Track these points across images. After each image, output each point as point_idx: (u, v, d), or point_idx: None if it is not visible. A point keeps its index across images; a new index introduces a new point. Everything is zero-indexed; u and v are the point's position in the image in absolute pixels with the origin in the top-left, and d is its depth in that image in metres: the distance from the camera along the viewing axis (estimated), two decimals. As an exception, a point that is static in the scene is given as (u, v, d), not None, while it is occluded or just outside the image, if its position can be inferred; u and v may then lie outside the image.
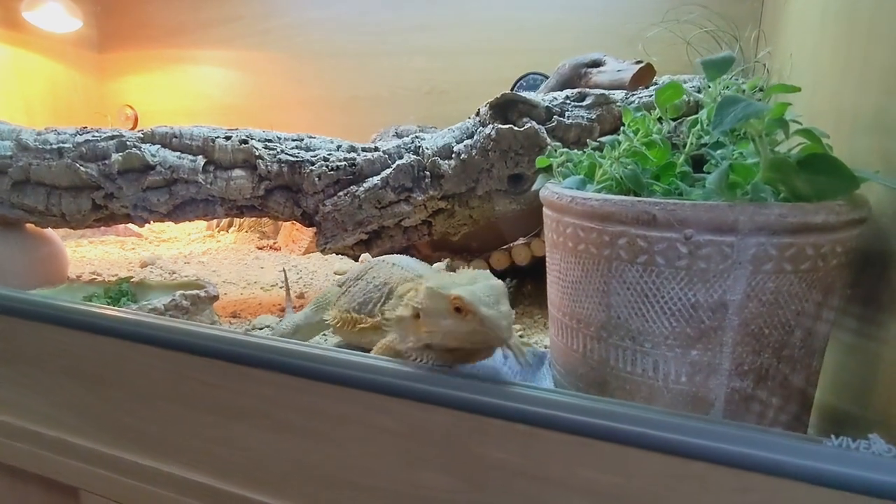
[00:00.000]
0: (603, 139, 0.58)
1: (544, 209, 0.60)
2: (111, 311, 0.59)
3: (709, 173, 0.55)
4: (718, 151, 0.57)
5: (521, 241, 1.15)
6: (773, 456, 0.38)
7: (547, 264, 0.61)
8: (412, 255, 1.41)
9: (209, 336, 0.55)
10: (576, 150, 0.63)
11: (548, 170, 0.63)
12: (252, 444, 0.55)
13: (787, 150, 0.50)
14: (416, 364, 0.50)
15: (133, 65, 1.96)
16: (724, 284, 0.45)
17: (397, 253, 1.19)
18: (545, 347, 0.83)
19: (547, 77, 1.44)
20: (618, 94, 1.05)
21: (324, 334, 0.85)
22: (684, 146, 0.58)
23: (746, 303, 0.45)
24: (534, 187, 0.63)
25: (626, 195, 0.51)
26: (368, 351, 0.60)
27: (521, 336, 0.89)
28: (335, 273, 1.33)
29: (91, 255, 1.43)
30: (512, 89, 1.50)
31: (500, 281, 0.50)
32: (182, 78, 1.94)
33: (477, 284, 0.49)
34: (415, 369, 0.49)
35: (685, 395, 0.49)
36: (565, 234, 0.54)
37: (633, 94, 1.05)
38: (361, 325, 0.60)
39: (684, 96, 0.59)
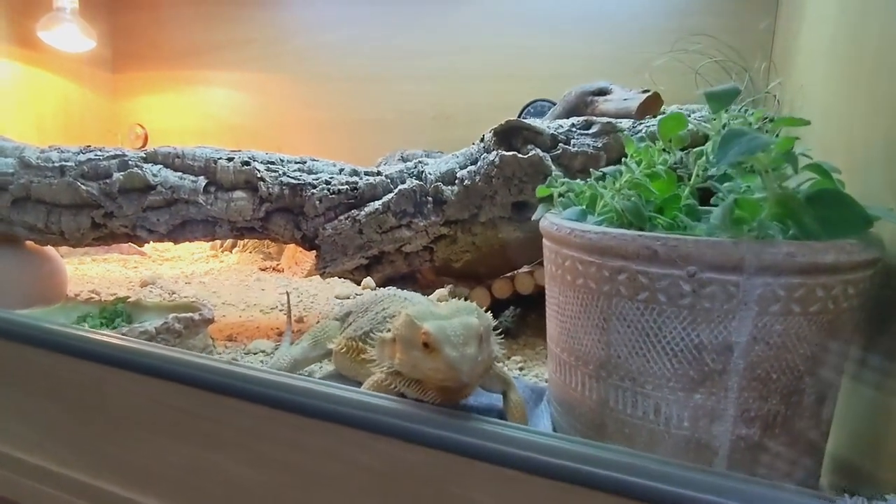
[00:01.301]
0: (607, 169, 0.56)
1: (544, 240, 0.58)
2: (91, 335, 0.57)
3: (716, 206, 0.53)
4: (725, 185, 0.54)
5: (525, 268, 1.13)
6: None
7: (546, 297, 0.59)
8: (416, 280, 1.39)
9: (187, 363, 0.53)
10: (578, 181, 0.61)
11: (549, 199, 0.61)
12: (230, 476, 0.53)
13: (797, 185, 0.48)
14: (401, 400, 0.48)
15: (145, 85, 1.99)
16: (729, 325, 0.43)
17: (400, 278, 1.18)
18: (545, 381, 0.80)
19: (555, 104, 1.44)
20: (625, 123, 1.03)
21: (319, 365, 0.83)
22: (690, 178, 0.57)
23: (753, 345, 0.43)
24: (534, 217, 0.61)
25: (627, 228, 0.50)
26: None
27: (521, 369, 0.86)
28: (336, 297, 1.32)
29: (92, 273, 1.43)
30: (519, 115, 1.49)
31: (477, 321, 0.48)
32: (193, 98, 1.96)
33: (453, 321, 0.47)
34: (399, 405, 0.47)
35: (688, 442, 0.46)
36: (564, 266, 0.52)
37: (640, 124, 1.04)
38: (364, 356, 0.58)
39: (690, 126, 0.58)
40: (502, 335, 0.57)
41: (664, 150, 0.57)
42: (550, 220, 0.54)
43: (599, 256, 0.47)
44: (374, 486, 0.46)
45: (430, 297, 1.43)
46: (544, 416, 0.60)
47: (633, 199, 0.49)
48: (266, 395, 0.50)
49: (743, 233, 0.43)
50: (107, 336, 0.58)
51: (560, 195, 0.59)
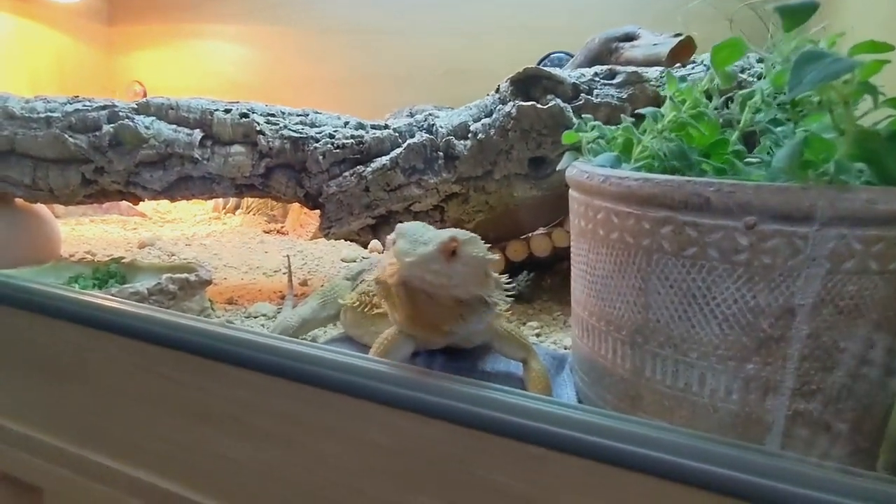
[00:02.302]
0: (645, 110, 0.49)
1: (570, 192, 0.52)
2: (69, 293, 0.52)
3: (768, 155, 0.46)
4: (779, 129, 0.48)
5: (541, 230, 1.07)
6: (844, 501, 0.30)
7: (572, 255, 0.53)
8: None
9: (175, 325, 0.48)
10: (601, 124, 0.54)
11: (576, 147, 0.55)
12: (223, 450, 0.48)
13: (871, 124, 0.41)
14: (412, 369, 0.42)
15: (143, 39, 1.90)
16: (792, 286, 0.37)
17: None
18: (565, 349, 0.75)
19: (571, 56, 1.35)
20: (651, 72, 0.95)
21: (323, 329, 0.78)
22: (736, 123, 0.50)
23: (819, 309, 0.37)
24: (559, 166, 0.55)
25: (665, 174, 0.43)
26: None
27: (538, 335, 0.81)
28: (342, 260, 1.26)
29: (90, 233, 1.38)
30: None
31: (454, 233, 0.43)
32: (193, 53, 1.87)
33: (430, 230, 0.43)
34: (409, 374, 0.42)
35: (736, 416, 0.41)
36: (595, 220, 0.46)
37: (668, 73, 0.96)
38: (378, 310, 0.53)
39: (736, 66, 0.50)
40: (510, 282, 0.52)
41: (707, 92, 0.50)
42: (580, 169, 0.48)
43: (639, 206, 0.41)
44: (384, 464, 0.41)
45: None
46: (567, 386, 0.55)
47: (675, 142, 0.43)
48: (263, 361, 0.45)
49: (812, 178, 0.37)
50: (86, 295, 0.53)
51: (590, 142, 0.53)
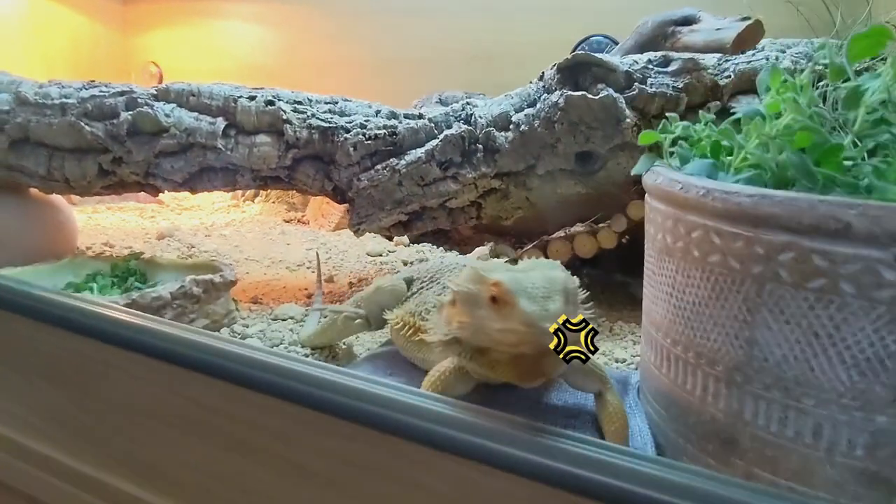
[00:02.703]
0: (742, 109, 0.43)
1: (651, 202, 0.46)
2: (91, 307, 0.48)
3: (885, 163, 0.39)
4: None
5: (580, 227, 1.00)
6: None
7: (648, 272, 0.47)
8: (449, 235, 1.27)
9: (206, 348, 0.43)
10: (691, 124, 0.48)
11: (654, 149, 0.48)
12: (259, 486, 0.43)
13: None
14: (476, 410, 0.37)
15: (159, 18, 1.84)
16: (946, 329, 0.31)
17: (431, 232, 1.06)
18: (616, 363, 0.69)
19: (613, 40, 1.27)
20: (709, 59, 0.88)
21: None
22: (845, 125, 0.43)
23: (978, 357, 0.31)
24: (635, 170, 0.49)
25: (778, 189, 0.37)
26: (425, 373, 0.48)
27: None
28: (368, 254, 1.21)
29: (106, 223, 1.34)
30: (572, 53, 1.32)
31: (564, 275, 0.39)
32: (210, 33, 1.81)
33: (531, 273, 0.38)
34: (473, 416, 0.36)
35: (857, 473, 0.35)
36: (689, 238, 0.39)
37: (728, 61, 0.89)
38: (424, 337, 0.47)
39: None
40: (589, 301, 0.44)
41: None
42: (668, 177, 0.41)
43: (751, 227, 0.35)
44: (444, 516, 0.36)
45: (469, 255, 1.32)
46: (636, 415, 0.49)
47: (792, 151, 0.36)
48: (304, 393, 0.39)
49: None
50: (110, 309, 0.48)
51: (673, 143, 0.46)
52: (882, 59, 0.52)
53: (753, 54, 0.90)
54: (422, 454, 0.37)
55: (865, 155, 0.41)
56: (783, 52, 0.91)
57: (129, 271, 0.82)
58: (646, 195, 0.48)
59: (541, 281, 0.37)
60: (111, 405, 0.50)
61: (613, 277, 0.97)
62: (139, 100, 0.86)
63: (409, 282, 0.58)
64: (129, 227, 1.31)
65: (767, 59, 0.89)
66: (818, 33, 1.04)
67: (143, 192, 0.94)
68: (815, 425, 0.35)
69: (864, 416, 0.34)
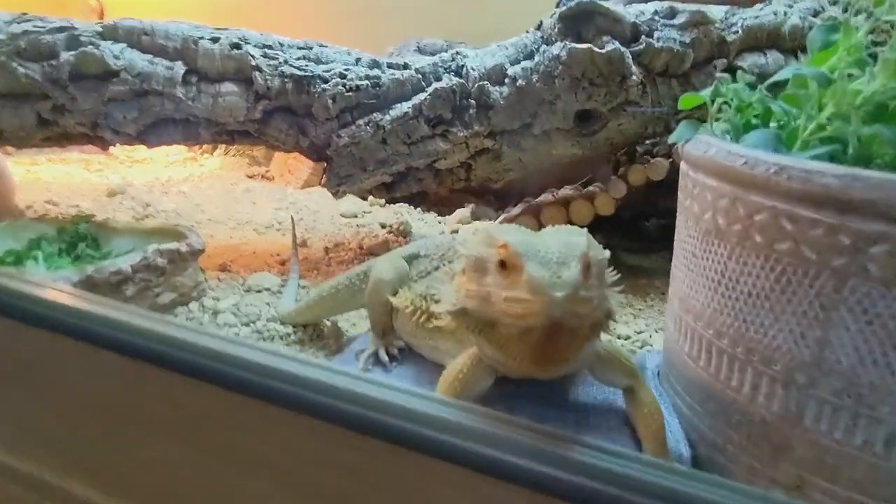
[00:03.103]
0: (804, 69, 0.37)
1: (692, 174, 0.41)
2: (42, 291, 0.40)
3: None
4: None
5: (568, 191, 0.95)
6: None
7: (687, 252, 0.43)
8: (426, 196, 1.20)
9: (191, 347, 0.36)
10: (739, 86, 0.42)
11: (695, 115, 0.43)
12: (252, 498, 0.38)
13: None
14: (492, 416, 0.32)
15: (98, -56, 1.63)
16: None
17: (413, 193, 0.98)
18: (620, 340, 0.66)
19: (607, -12, 1.19)
20: (716, 11, 0.82)
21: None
22: None
23: None
24: (672, 138, 0.43)
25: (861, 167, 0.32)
26: (434, 366, 0.42)
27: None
28: (342, 215, 1.13)
29: (48, 176, 1.20)
30: (559, 2, 1.24)
31: (587, 241, 0.33)
32: (158, -36, 1.62)
33: (548, 237, 0.33)
34: (488, 426, 0.31)
35: (926, 484, 0.32)
36: (751, 221, 0.35)
37: (735, 14, 0.83)
38: (438, 322, 0.41)
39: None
40: (618, 276, 0.39)
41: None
42: (725, 149, 0.36)
43: (837, 214, 0.30)
44: (477, 543, 0.31)
45: (448, 218, 1.25)
46: (662, 406, 0.45)
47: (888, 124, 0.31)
48: (307, 400, 0.34)
49: None
50: (66, 294, 0.41)
51: (719, 109, 0.41)
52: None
53: (762, 8, 0.84)
54: (442, 468, 0.32)
55: None
56: (790, 6, 0.86)
57: (78, 236, 0.73)
58: (683, 166, 0.43)
59: (557, 245, 0.32)
60: (68, 404, 0.43)
61: (611, 245, 0.93)
62: (82, 38, 0.74)
63: (412, 258, 0.52)
64: (74, 182, 1.18)
65: (776, 14, 0.84)
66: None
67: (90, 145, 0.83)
68: (888, 435, 0.32)
69: (945, 427, 0.31)
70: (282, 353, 0.37)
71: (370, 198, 1.21)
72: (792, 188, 0.32)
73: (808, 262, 0.32)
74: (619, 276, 0.39)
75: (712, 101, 0.41)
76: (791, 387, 0.35)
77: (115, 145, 0.81)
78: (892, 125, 0.31)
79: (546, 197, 0.94)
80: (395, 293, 0.49)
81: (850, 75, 0.36)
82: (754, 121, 0.41)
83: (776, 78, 0.42)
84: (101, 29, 0.76)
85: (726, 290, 0.38)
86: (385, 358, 0.48)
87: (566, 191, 0.95)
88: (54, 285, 0.42)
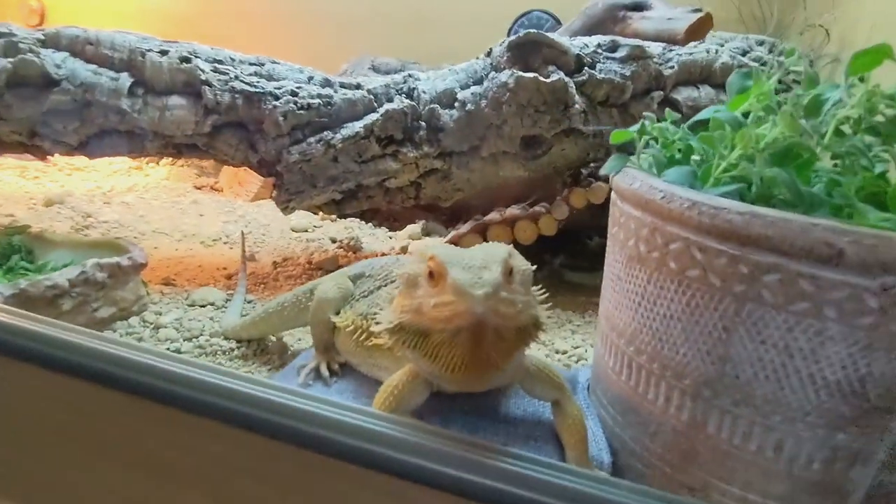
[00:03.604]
0: (715, 113, 0.41)
1: (621, 204, 0.44)
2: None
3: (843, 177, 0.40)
4: (872, 153, 0.42)
5: (515, 210, 0.99)
6: None
7: (614, 277, 0.46)
8: (379, 212, 1.21)
9: (125, 363, 0.36)
10: (664, 125, 0.46)
11: (625, 149, 0.46)
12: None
13: None
14: (426, 430, 0.34)
15: (40, -57, 1.58)
16: (916, 355, 0.31)
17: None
18: (559, 356, 0.69)
19: (554, 17, 1.25)
20: (654, 48, 0.88)
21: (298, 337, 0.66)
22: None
23: (940, 382, 0.32)
24: (604, 170, 0.47)
25: (759, 204, 0.36)
26: (373, 382, 0.43)
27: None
28: (292, 230, 1.13)
29: (-21, 183, 1.15)
30: (511, 29, 1.29)
31: (508, 250, 0.37)
32: (105, -32, 1.58)
33: (474, 250, 0.37)
34: (440, 443, 0.33)
35: (812, 485, 0.36)
36: (666, 249, 0.38)
37: (671, 51, 0.89)
38: (377, 340, 0.42)
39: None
40: (545, 292, 0.42)
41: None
42: (648, 183, 0.40)
43: (738, 246, 0.34)
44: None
45: (398, 233, 1.27)
46: (588, 417, 0.48)
47: (785, 167, 0.35)
48: (248, 416, 0.35)
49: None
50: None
51: (645, 144, 0.45)
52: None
53: (695, 46, 0.91)
54: (383, 483, 0.33)
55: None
56: (721, 45, 0.93)
57: (11, 248, 0.70)
58: (613, 195, 0.47)
59: (479, 254, 0.35)
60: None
61: (553, 264, 0.97)
62: (21, 45, 0.72)
63: (357, 278, 0.53)
64: (8, 190, 1.13)
65: (708, 52, 0.91)
66: (753, 28, 1.07)
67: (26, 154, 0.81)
68: (778, 440, 0.36)
69: (827, 434, 0.34)
70: (214, 368, 0.38)
71: (320, 213, 1.22)
72: (702, 222, 0.35)
73: (714, 287, 0.36)
74: (547, 294, 0.42)
75: (640, 138, 0.45)
76: (698, 399, 0.38)
77: (53, 155, 0.79)
78: (789, 168, 0.35)
79: (493, 216, 0.97)
80: (337, 312, 0.51)
81: (759, 119, 0.41)
82: (678, 156, 0.45)
83: (698, 117, 0.46)
84: (42, 37, 0.75)
85: (645, 311, 0.41)
86: (326, 373, 0.49)
87: (513, 210, 0.98)
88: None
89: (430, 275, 0.34)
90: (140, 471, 0.39)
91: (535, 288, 0.41)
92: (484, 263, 0.33)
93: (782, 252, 0.32)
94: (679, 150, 0.44)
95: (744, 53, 0.91)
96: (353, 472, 0.34)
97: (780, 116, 0.35)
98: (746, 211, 0.33)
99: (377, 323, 0.44)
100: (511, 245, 0.68)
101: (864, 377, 0.32)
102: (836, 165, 0.41)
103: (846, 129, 0.40)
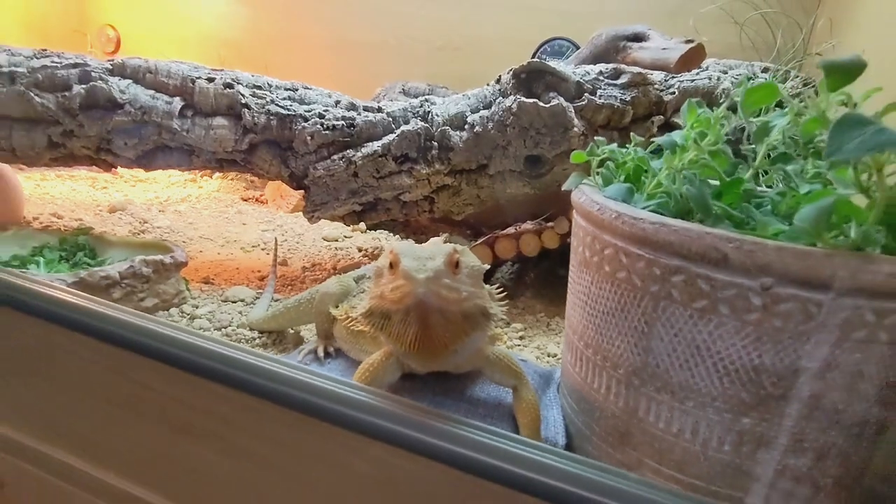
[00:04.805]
0: (660, 139, 0.47)
1: (576, 217, 0.50)
2: (37, 286, 0.49)
3: (777, 194, 0.45)
4: (789, 167, 0.47)
5: (528, 225, 1.05)
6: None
7: (571, 281, 0.52)
8: (408, 225, 1.30)
9: (153, 334, 0.45)
10: (618, 147, 0.52)
11: (584, 167, 0.53)
12: (201, 465, 0.46)
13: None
14: (398, 401, 0.41)
15: (118, -20, 1.78)
16: (800, 349, 0.36)
17: (390, 221, 1.08)
18: (549, 359, 0.75)
19: (574, 44, 1.31)
20: (656, 75, 0.93)
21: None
22: (741, 156, 0.49)
23: (824, 373, 0.36)
24: (566, 186, 0.53)
25: (681, 217, 0.42)
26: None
27: (521, 338, 0.80)
28: (324, 239, 1.23)
29: (56, 192, 1.31)
30: (535, 54, 1.36)
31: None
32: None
33: (428, 246, 0.43)
34: (393, 406, 0.40)
35: (725, 466, 0.41)
36: (602, 254, 0.44)
37: (673, 78, 0.94)
38: (361, 327, 0.50)
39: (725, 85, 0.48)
40: (504, 295, 0.49)
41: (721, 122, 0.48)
42: (590, 197, 0.46)
43: (652, 251, 0.40)
44: (370, 495, 0.40)
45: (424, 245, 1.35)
46: (554, 407, 0.54)
47: (696, 183, 0.41)
48: (251, 382, 0.42)
49: (833, 242, 0.36)
50: (55, 289, 0.50)
51: (600, 164, 0.51)
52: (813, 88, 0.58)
53: (697, 73, 0.96)
54: (354, 440, 0.40)
55: (774, 185, 0.46)
56: (725, 72, 0.97)
57: (77, 246, 0.83)
58: (573, 210, 0.53)
59: (430, 248, 0.42)
60: (56, 384, 0.51)
61: (557, 275, 1.02)
62: (93, 73, 0.85)
63: (360, 278, 0.61)
64: (79, 198, 1.28)
65: (710, 79, 0.95)
66: (761, 54, 1.11)
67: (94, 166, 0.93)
68: (694, 424, 0.41)
69: (732, 418, 0.39)
70: (237, 347, 0.46)
71: (351, 224, 1.32)
72: (626, 231, 0.41)
73: (637, 287, 0.41)
74: (505, 293, 0.49)
75: (593, 159, 0.51)
76: (630, 387, 0.43)
77: (115, 167, 0.91)
78: (701, 185, 0.41)
79: (507, 231, 1.04)
80: (337, 306, 0.59)
81: (695, 143, 0.46)
82: (628, 175, 0.51)
83: (656, 143, 0.52)
84: (110, 66, 0.87)
85: (590, 310, 0.47)
86: (321, 354, 0.57)
87: (527, 225, 1.05)
88: (52, 283, 0.52)
89: (391, 266, 0.41)
90: (165, 427, 0.48)
91: (494, 288, 0.48)
92: (431, 255, 0.40)
93: (683, 256, 0.38)
94: (630, 171, 0.50)
95: (748, 80, 0.94)
96: (330, 431, 0.41)
97: (687, 138, 0.41)
98: (657, 221, 0.39)
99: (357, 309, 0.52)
100: (515, 254, 0.75)
101: (758, 367, 0.37)
102: (770, 187, 0.47)
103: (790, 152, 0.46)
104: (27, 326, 0.51)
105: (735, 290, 0.36)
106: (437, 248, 0.41)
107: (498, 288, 0.47)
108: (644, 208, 0.43)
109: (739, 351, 0.37)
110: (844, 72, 0.34)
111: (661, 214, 0.41)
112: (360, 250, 1.19)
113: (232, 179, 1.63)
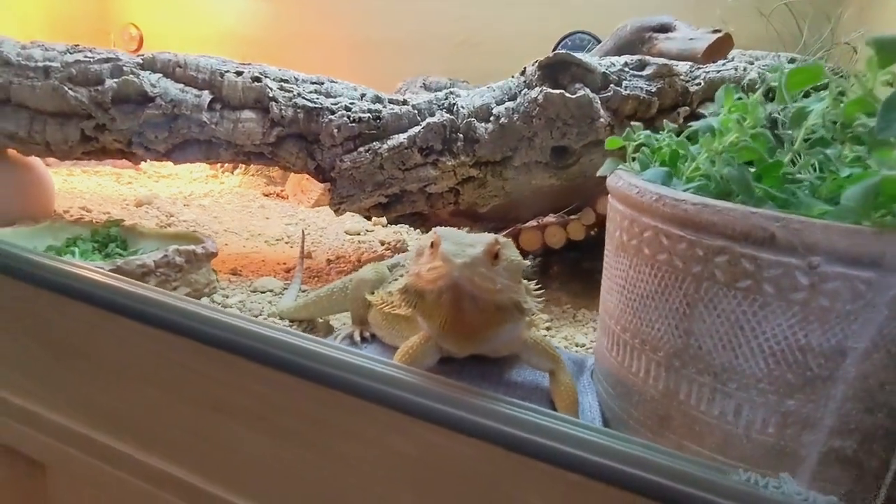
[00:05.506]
0: (696, 124, 0.47)
1: (612, 201, 0.50)
2: (83, 272, 0.50)
3: (817, 178, 0.45)
4: (829, 150, 0.46)
5: (551, 217, 1.05)
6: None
7: (606, 266, 0.52)
8: (428, 218, 1.30)
9: (197, 316, 0.46)
10: (653, 133, 0.52)
11: (618, 153, 0.53)
12: (242, 445, 0.47)
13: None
14: (439, 381, 0.41)
15: (141, -21, 1.80)
16: (847, 328, 0.36)
17: (410, 215, 1.09)
18: (577, 347, 0.75)
19: (595, 38, 1.31)
20: (681, 66, 0.93)
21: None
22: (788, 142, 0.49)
23: (872, 353, 0.36)
24: (600, 172, 0.53)
25: (722, 199, 0.42)
26: (395, 349, 0.51)
27: (547, 328, 0.80)
28: (346, 232, 1.24)
29: (83, 186, 1.33)
30: (555, 48, 1.36)
31: (496, 238, 0.43)
32: (193, -1, 1.78)
33: (471, 235, 0.43)
34: (445, 388, 0.40)
35: (768, 448, 0.41)
36: (641, 237, 0.44)
37: (699, 69, 0.93)
38: (397, 311, 0.50)
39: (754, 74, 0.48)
40: (541, 289, 0.50)
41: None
42: (628, 181, 0.46)
43: (694, 232, 0.40)
44: (410, 474, 0.40)
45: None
46: (589, 394, 0.54)
47: (737, 165, 0.41)
48: (290, 361, 0.43)
49: (882, 221, 0.36)
50: (101, 275, 0.51)
51: (635, 150, 0.51)
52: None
53: (724, 64, 0.95)
54: (393, 418, 0.41)
55: (811, 169, 0.46)
56: (751, 63, 0.97)
57: (109, 237, 0.84)
58: (609, 195, 0.53)
59: (474, 236, 0.42)
60: (100, 367, 0.52)
61: (583, 267, 1.02)
62: (125, 68, 0.86)
63: (394, 266, 0.62)
64: (105, 193, 1.30)
65: (736, 70, 0.95)
66: (787, 46, 1.10)
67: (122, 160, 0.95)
68: (737, 406, 0.41)
69: (777, 400, 0.39)
70: (279, 328, 0.47)
71: (373, 218, 1.32)
72: (666, 212, 0.41)
73: (678, 269, 0.41)
74: (543, 290, 0.49)
75: (630, 144, 0.51)
76: (670, 369, 0.43)
77: (146, 160, 0.93)
78: (741, 167, 0.41)
79: (530, 223, 1.04)
80: (372, 292, 0.59)
81: (731, 126, 0.46)
82: (665, 159, 0.51)
83: (692, 128, 0.52)
84: (141, 61, 0.89)
85: (628, 293, 0.47)
86: (358, 338, 0.58)
87: (550, 218, 1.05)
88: (94, 268, 0.53)
89: (431, 246, 0.41)
90: (206, 408, 0.49)
91: (532, 284, 0.49)
92: (472, 243, 0.40)
93: (727, 236, 0.38)
94: (668, 155, 0.50)
95: (774, 70, 0.94)
96: (372, 411, 0.41)
97: (733, 122, 0.41)
98: (699, 202, 0.39)
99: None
100: (540, 246, 0.74)
101: (804, 347, 0.37)
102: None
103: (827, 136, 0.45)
104: (71, 310, 0.52)
105: (781, 270, 0.36)
106: (480, 237, 0.42)
107: (538, 286, 0.48)
108: (684, 191, 0.43)
109: (785, 331, 0.37)
110: (895, 48, 0.33)
111: (703, 196, 0.41)
112: (382, 243, 1.20)
113: (253, 175, 1.64)
